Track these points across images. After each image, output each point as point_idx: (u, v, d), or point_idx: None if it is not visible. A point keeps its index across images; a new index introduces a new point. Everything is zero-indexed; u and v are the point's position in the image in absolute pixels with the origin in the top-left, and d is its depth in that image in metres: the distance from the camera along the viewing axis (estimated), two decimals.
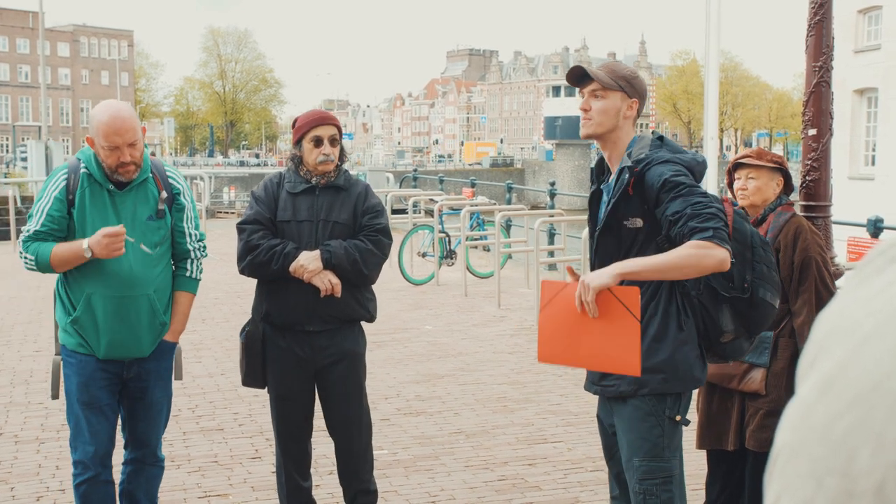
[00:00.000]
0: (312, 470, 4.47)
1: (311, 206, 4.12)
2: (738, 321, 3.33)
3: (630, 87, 3.31)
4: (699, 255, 2.99)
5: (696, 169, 3.26)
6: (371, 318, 4.27)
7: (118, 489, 4.03)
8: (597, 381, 3.40)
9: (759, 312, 3.32)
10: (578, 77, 3.34)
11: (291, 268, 3.99)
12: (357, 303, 4.18)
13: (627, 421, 3.30)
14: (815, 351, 0.55)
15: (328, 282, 4.01)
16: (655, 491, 3.24)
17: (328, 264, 4.01)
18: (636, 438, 3.27)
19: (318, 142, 4.11)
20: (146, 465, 4.01)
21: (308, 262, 3.98)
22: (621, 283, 3.11)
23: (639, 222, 3.21)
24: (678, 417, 3.29)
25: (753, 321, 3.34)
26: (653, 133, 3.43)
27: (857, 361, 0.49)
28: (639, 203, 3.20)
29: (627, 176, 3.20)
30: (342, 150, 4.22)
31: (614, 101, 3.28)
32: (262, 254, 4.02)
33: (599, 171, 3.46)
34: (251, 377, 4.24)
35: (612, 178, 3.34)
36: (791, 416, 0.53)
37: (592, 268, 3.38)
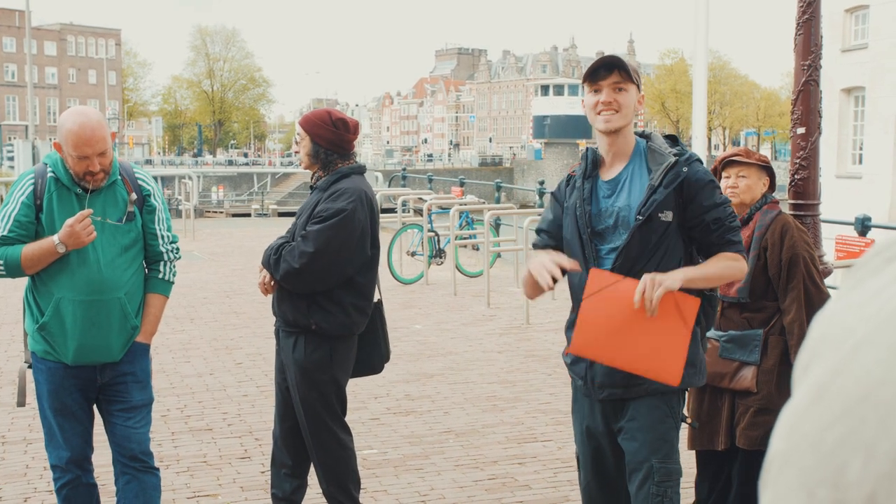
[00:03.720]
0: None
1: (303, 205, 4.26)
2: (704, 318, 3.37)
3: (640, 80, 3.34)
4: (735, 267, 3.25)
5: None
6: (316, 330, 4.06)
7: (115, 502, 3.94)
8: (618, 384, 3.26)
9: (715, 310, 3.45)
10: (596, 69, 3.24)
11: None
12: (295, 308, 4.07)
13: (644, 420, 3.23)
14: (808, 357, 0.54)
15: (262, 278, 4.13)
16: (670, 493, 3.22)
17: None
18: (655, 439, 3.22)
19: None
20: (139, 472, 3.86)
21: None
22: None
23: (670, 215, 3.21)
24: (689, 419, 3.29)
25: (710, 318, 3.41)
26: (645, 130, 3.42)
27: (849, 370, 0.48)
28: (674, 197, 3.21)
29: (686, 170, 3.22)
30: (313, 152, 4.13)
31: (633, 94, 3.27)
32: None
33: (593, 166, 3.38)
34: None
35: (642, 174, 3.27)
36: (783, 425, 0.52)
37: (588, 262, 3.28)
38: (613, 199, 3.30)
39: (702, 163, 3.32)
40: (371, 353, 4.33)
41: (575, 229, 3.33)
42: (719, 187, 3.32)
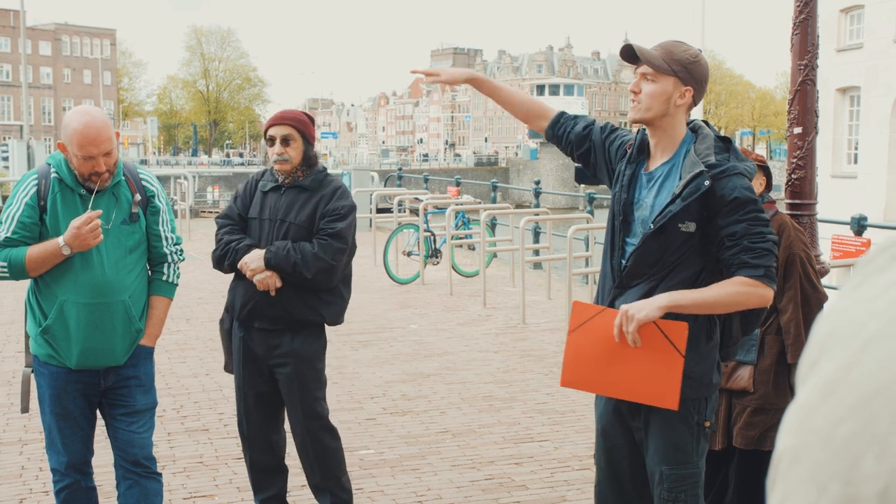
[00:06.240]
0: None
1: (273, 205, 4.19)
2: (742, 325, 3.26)
3: (685, 72, 3.09)
4: (746, 294, 2.98)
5: (750, 179, 3.14)
6: (327, 322, 4.22)
7: None
8: None
9: (758, 317, 3.27)
10: (631, 55, 3.11)
11: (238, 265, 4.12)
12: (305, 305, 4.13)
13: (655, 427, 3.16)
14: (815, 353, 0.53)
15: (266, 281, 4.08)
16: (683, 497, 3.15)
17: (269, 264, 4.06)
18: (665, 446, 3.14)
19: (271, 141, 4.18)
20: (141, 477, 3.82)
21: (251, 261, 4.10)
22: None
23: (692, 227, 3.04)
24: (707, 423, 3.17)
25: (751, 325, 3.28)
26: (705, 123, 3.21)
27: (861, 365, 0.48)
28: (698, 209, 3.03)
29: (708, 183, 3.00)
30: (307, 151, 4.17)
31: (665, 86, 3.07)
32: (219, 248, 4.19)
33: (640, 151, 3.22)
34: (227, 364, 4.42)
35: (676, 177, 3.10)
36: (792, 420, 0.51)
37: (610, 261, 3.20)
38: (647, 194, 3.17)
39: (746, 176, 3.06)
40: None
41: (611, 212, 3.26)
42: (754, 207, 3.01)
